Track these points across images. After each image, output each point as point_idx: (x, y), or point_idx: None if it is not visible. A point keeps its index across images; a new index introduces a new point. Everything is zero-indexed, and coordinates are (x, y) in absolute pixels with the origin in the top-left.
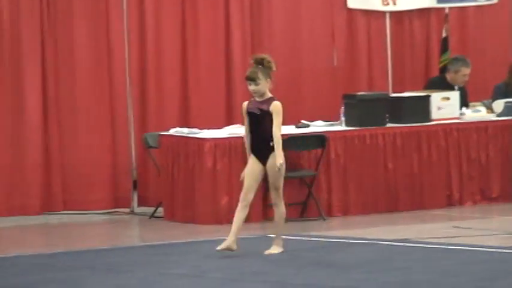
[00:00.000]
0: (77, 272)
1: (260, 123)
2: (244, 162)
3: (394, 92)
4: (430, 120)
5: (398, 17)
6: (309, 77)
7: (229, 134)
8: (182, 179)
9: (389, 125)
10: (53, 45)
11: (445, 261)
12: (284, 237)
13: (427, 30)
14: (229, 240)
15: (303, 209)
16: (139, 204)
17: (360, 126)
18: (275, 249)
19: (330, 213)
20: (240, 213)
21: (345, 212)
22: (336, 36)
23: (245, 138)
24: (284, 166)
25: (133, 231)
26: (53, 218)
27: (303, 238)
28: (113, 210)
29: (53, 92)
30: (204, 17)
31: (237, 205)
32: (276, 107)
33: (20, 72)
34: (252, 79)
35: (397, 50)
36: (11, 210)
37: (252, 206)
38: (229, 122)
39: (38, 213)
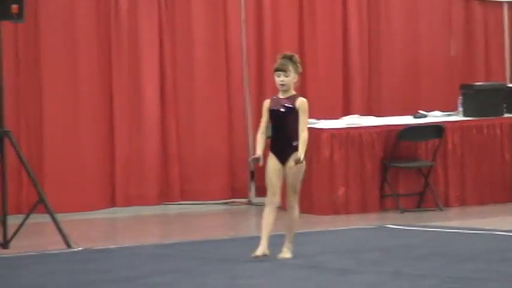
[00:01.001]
0: (194, 263)
1: (284, 122)
2: (360, 154)
3: None
4: None
5: None
6: (426, 67)
7: (346, 125)
8: None
9: (506, 115)
10: (171, 37)
11: None
12: (401, 227)
13: None
14: (263, 247)
15: (419, 200)
16: (257, 194)
17: (478, 116)
18: (287, 253)
19: (446, 204)
20: (269, 216)
21: (462, 202)
22: (453, 26)
23: (259, 137)
24: (304, 165)
25: (250, 222)
26: (170, 208)
27: (420, 228)
28: (230, 200)
29: (170, 84)
30: (321, 6)
31: (355, 196)
32: (303, 104)
33: (138, 64)
34: (282, 70)
35: None
36: (129, 201)
37: (368, 196)
38: (346, 112)
39: (156, 204)
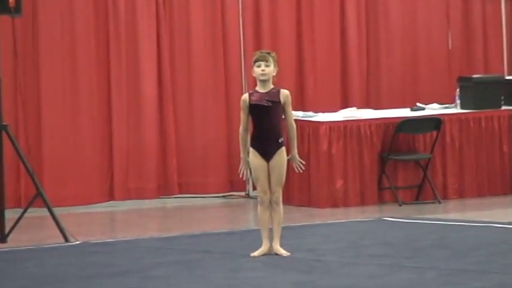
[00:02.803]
0: (193, 256)
1: (268, 117)
2: (359, 147)
3: (510, 75)
4: None
5: None
6: (424, 59)
7: (344, 118)
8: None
9: (504, 107)
10: (169, 29)
11: None
12: (399, 220)
13: None
14: (265, 246)
15: (418, 192)
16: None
17: (475, 109)
18: (282, 251)
19: (445, 196)
20: (264, 215)
21: (461, 194)
22: (451, 19)
23: (241, 135)
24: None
25: (248, 215)
26: (169, 202)
27: (419, 221)
28: (228, 193)
29: (168, 76)
30: (320, 4)
31: (353, 189)
32: (288, 97)
33: (136, 57)
34: (263, 60)
35: None
36: (128, 194)
37: (366, 189)
38: (344, 105)
39: (154, 197)
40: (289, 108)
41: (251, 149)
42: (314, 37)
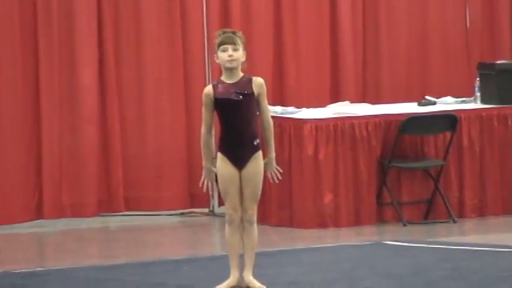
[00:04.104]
0: None
1: (240, 113)
2: (353, 151)
3: None
4: None
5: None
6: (435, 43)
7: (334, 114)
8: None
9: None
10: (113, 4)
11: None
12: (404, 244)
13: None
14: (234, 278)
15: (428, 209)
16: (221, 203)
17: (500, 103)
18: (256, 284)
19: (461, 214)
20: (233, 238)
21: (481, 212)
22: None
23: (204, 138)
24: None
25: (214, 238)
26: (112, 221)
27: (429, 245)
28: (188, 210)
29: (112, 68)
30: None
31: (345, 205)
32: (263, 86)
33: (72, 44)
34: (231, 41)
35: None
36: (61, 211)
37: (362, 205)
38: (334, 98)
39: (94, 215)
40: (264, 100)
41: (219, 155)
42: (297, 14)
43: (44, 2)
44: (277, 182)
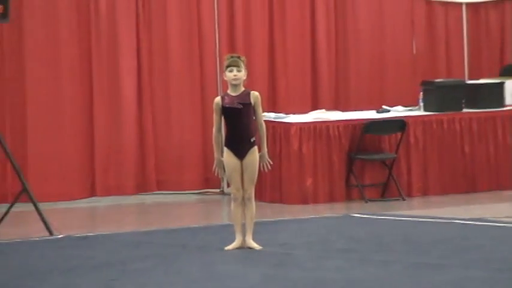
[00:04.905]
0: (170, 250)
1: (241, 119)
2: (328, 147)
3: (470, 79)
4: (504, 105)
5: (475, 8)
6: (390, 64)
7: (314, 119)
8: None
9: (465, 110)
10: (147, 33)
11: None
12: (366, 216)
13: (502, 21)
14: (238, 240)
15: (383, 190)
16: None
17: (438, 111)
18: (255, 245)
19: (409, 194)
20: (238, 210)
21: (424, 192)
22: (415, 26)
23: (215, 136)
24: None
25: (223, 211)
26: (147, 198)
27: (384, 217)
28: (203, 190)
29: (147, 79)
30: (290, 6)
31: (322, 187)
32: (258, 98)
33: (117, 60)
34: (235, 65)
35: (473, 39)
36: (108, 191)
37: (335, 187)
38: (314, 107)
39: (134, 193)
40: (259, 109)
41: (225, 149)
42: (285, 42)
43: (96, 29)
44: (266, 171)
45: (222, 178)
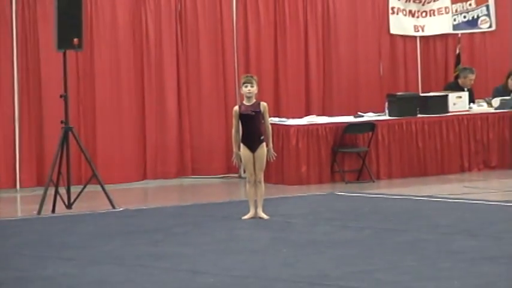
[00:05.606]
0: (202, 219)
1: (253, 122)
2: (317, 143)
3: (423, 92)
4: (448, 112)
5: (426, 40)
6: (363, 82)
7: (307, 122)
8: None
9: (419, 115)
10: (185, 61)
11: (458, 211)
12: (346, 194)
13: (446, 49)
14: (252, 212)
15: (358, 174)
16: (245, 171)
17: (399, 116)
18: (264, 215)
19: (378, 177)
20: (252, 190)
21: (389, 176)
22: (382, 53)
23: (234, 135)
24: (266, 150)
25: (241, 190)
26: (185, 181)
27: (359, 195)
28: (226, 175)
29: (184, 91)
30: (290, 42)
31: (313, 172)
32: (266, 107)
33: (162, 78)
34: (249, 82)
35: (425, 63)
36: (156, 175)
37: (323, 172)
38: (307, 113)
39: (175, 177)
40: (266, 115)
41: (242, 145)
42: (286, 65)
43: (147, 56)
44: (272, 161)
45: (239, 166)
